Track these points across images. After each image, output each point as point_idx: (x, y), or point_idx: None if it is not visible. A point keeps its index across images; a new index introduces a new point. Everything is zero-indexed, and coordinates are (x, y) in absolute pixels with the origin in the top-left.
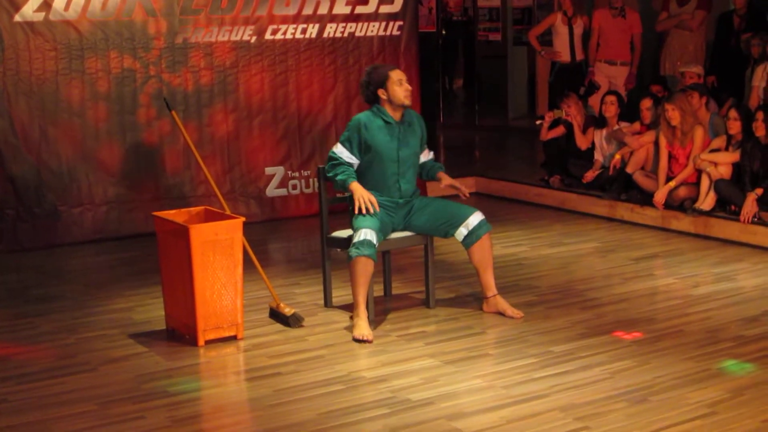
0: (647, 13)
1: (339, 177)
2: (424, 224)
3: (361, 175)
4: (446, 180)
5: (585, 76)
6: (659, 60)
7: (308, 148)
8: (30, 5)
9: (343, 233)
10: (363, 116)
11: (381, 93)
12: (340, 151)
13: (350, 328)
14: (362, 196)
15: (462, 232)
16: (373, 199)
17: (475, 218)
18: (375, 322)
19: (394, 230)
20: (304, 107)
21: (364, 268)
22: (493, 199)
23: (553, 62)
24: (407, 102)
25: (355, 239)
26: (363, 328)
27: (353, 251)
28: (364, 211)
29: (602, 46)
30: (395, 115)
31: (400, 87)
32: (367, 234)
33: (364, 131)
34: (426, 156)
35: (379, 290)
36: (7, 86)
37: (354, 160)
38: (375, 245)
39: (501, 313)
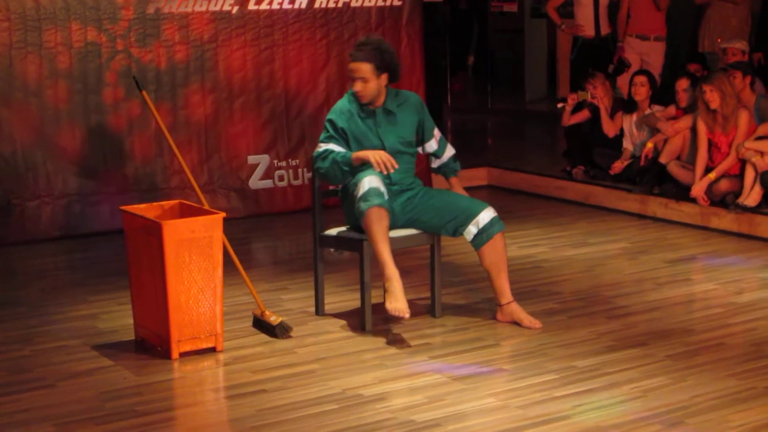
0: None
1: (335, 157)
2: (430, 221)
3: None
4: (456, 189)
5: (611, 53)
6: (698, 35)
7: (297, 133)
8: None
9: (338, 231)
10: (341, 103)
11: (385, 78)
12: (322, 145)
13: (344, 339)
14: (375, 153)
15: (471, 231)
16: (388, 156)
17: (486, 215)
18: (373, 332)
19: (394, 225)
20: (293, 87)
21: (380, 219)
22: (507, 193)
23: (575, 37)
24: (362, 102)
25: (360, 191)
26: (398, 298)
27: (362, 204)
28: (383, 170)
29: (633, 19)
30: (376, 104)
31: (350, 72)
32: (371, 182)
33: (345, 121)
34: (433, 147)
35: (378, 296)
36: None
37: (340, 149)
38: (384, 193)
39: (517, 323)
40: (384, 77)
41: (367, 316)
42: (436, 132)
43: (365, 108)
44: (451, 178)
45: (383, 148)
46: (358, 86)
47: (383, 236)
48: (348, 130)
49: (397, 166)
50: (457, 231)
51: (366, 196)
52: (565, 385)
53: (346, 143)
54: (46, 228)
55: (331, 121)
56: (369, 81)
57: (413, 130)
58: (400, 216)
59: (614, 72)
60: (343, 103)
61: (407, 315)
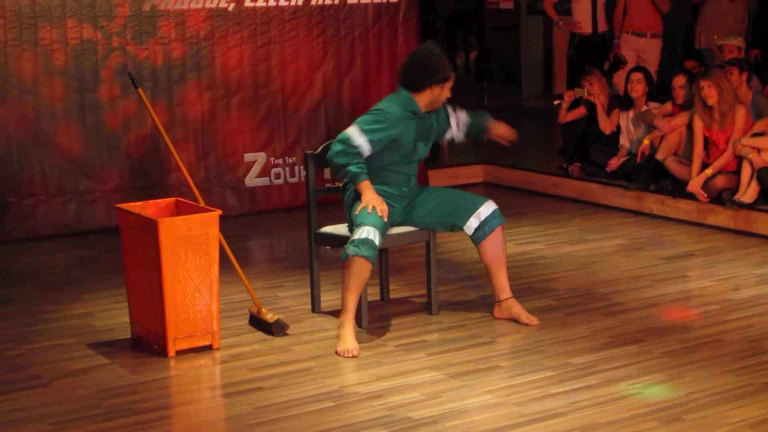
0: None
1: (352, 168)
2: (428, 216)
3: (366, 161)
4: (498, 129)
5: (608, 50)
6: (694, 32)
7: (293, 131)
8: None
9: (334, 229)
10: (398, 109)
11: (435, 88)
12: (357, 138)
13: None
14: (373, 199)
15: (472, 223)
16: (385, 207)
17: (487, 208)
18: (369, 330)
19: (392, 224)
20: (289, 85)
21: (360, 270)
22: (503, 190)
23: (572, 34)
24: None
25: (356, 236)
26: (349, 341)
27: (351, 249)
28: (374, 209)
29: (629, 15)
30: (423, 108)
31: (449, 93)
32: (369, 233)
33: (397, 128)
34: (455, 131)
35: (374, 293)
36: None
37: (368, 152)
38: (376, 247)
39: (514, 320)
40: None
41: (363, 313)
42: (452, 117)
43: (417, 114)
44: (489, 119)
45: (414, 155)
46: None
47: (357, 286)
48: (399, 134)
49: (386, 219)
50: (456, 225)
51: (359, 243)
52: (562, 381)
53: (383, 142)
54: (42, 226)
55: (394, 117)
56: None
57: (437, 135)
58: (398, 216)
59: (610, 69)
60: (400, 108)
61: (357, 353)
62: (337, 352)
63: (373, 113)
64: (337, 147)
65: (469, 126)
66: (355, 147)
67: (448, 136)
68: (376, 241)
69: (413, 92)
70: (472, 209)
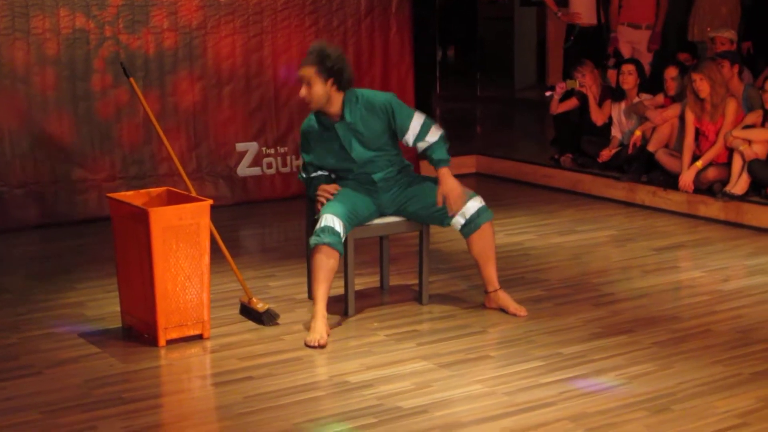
0: None
1: (310, 183)
2: (417, 211)
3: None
4: (443, 182)
5: (605, 43)
6: (687, 24)
7: (285, 121)
8: None
9: None
10: (305, 123)
11: (330, 83)
12: (306, 156)
13: (332, 326)
14: (318, 195)
15: (458, 221)
16: (329, 192)
17: (473, 205)
18: (360, 320)
19: (383, 214)
20: (281, 75)
21: (326, 259)
22: (496, 181)
23: (569, 25)
24: (311, 107)
25: (317, 226)
26: (315, 331)
27: (313, 239)
28: (324, 202)
29: (625, 8)
30: (333, 114)
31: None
32: (328, 220)
33: (310, 136)
34: (411, 140)
35: (360, 284)
36: None
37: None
38: (339, 233)
39: (503, 310)
40: (330, 83)
41: (350, 302)
42: (414, 123)
43: (325, 122)
44: (439, 169)
45: (354, 162)
46: (302, 91)
47: (324, 276)
48: (317, 147)
49: (334, 191)
50: (444, 221)
51: (320, 232)
52: (552, 371)
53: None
54: (34, 215)
55: (303, 134)
56: (314, 85)
57: (381, 135)
58: (389, 207)
59: (615, 65)
60: (308, 122)
61: (323, 343)
62: (305, 343)
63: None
64: (300, 173)
65: (424, 154)
66: (306, 170)
67: (409, 142)
68: (337, 227)
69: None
70: None
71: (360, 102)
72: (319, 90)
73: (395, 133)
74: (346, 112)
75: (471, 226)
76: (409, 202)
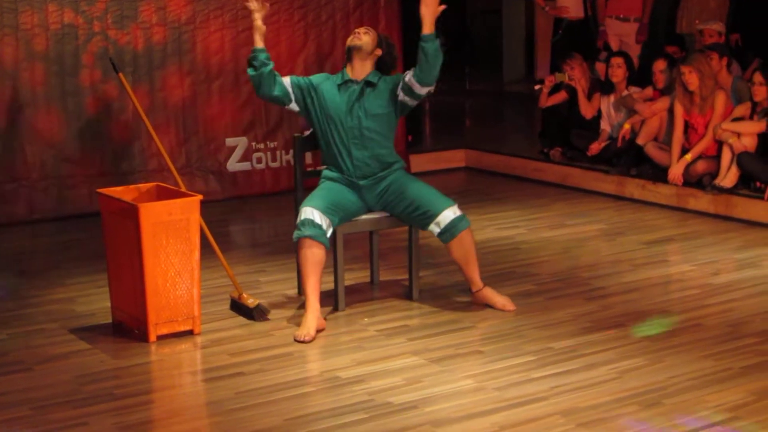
0: None
1: (254, 62)
2: (401, 214)
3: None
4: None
5: (594, 36)
6: (676, 17)
7: (275, 116)
8: None
9: None
10: (317, 76)
11: (378, 52)
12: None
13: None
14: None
15: (434, 229)
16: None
17: (448, 215)
18: (351, 315)
19: (370, 210)
20: None
21: (309, 251)
22: (485, 175)
23: (557, 19)
24: (354, 43)
25: (297, 219)
26: (304, 326)
27: (295, 233)
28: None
29: (611, 1)
30: (356, 76)
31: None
32: (307, 212)
33: (311, 88)
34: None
35: (350, 279)
36: None
37: (286, 83)
38: (321, 225)
39: (490, 307)
40: (378, 52)
41: (340, 297)
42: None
43: (348, 81)
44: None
45: (342, 127)
46: (361, 30)
47: (311, 269)
48: (319, 90)
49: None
50: (424, 227)
51: (300, 225)
52: (542, 366)
53: (298, 86)
54: (24, 211)
55: (310, 78)
56: (370, 34)
57: (387, 108)
58: (375, 204)
59: (606, 59)
60: (323, 76)
61: (309, 338)
62: (294, 338)
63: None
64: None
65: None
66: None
67: (408, 83)
68: (317, 219)
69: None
70: (434, 215)
71: (381, 79)
72: (371, 42)
73: (395, 118)
74: (370, 76)
75: (447, 235)
76: (394, 203)
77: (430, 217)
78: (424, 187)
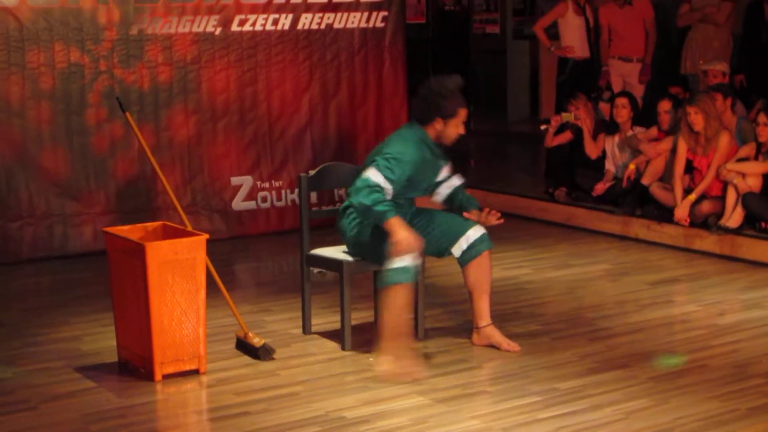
0: (668, 4)
1: (379, 207)
2: (430, 235)
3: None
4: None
5: (597, 76)
6: (680, 57)
7: (280, 155)
8: None
9: (325, 251)
10: (416, 150)
11: (438, 123)
12: (382, 182)
13: (328, 361)
14: (406, 239)
15: (461, 245)
16: (418, 244)
17: (476, 231)
18: (356, 354)
19: None
20: (276, 109)
21: (407, 295)
22: None
23: (562, 59)
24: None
25: (400, 262)
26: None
27: (400, 276)
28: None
29: (614, 42)
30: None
31: (458, 129)
32: (411, 259)
33: (415, 168)
34: (448, 175)
35: (357, 318)
36: None
37: (391, 194)
38: (417, 274)
39: (494, 347)
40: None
41: (346, 337)
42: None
43: (434, 153)
44: (473, 210)
45: (424, 189)
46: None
47: (407, 311)
48: (416, 174)
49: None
50: (445, 251)
51: (406, 269)
52: (548, 407)
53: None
54: (29, 249)
55: (413, 159)
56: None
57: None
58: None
59: (610, 98)
60: (419, 147)
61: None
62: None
63: (392, 159)
64: (361, 186)
65: (453, 194)
66: (378, 187)
67: (443, 179)
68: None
69: (422, 126)
70: (462, 232)
71: None
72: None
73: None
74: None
75: (472, 251)
76: (421, 224)
77: (460, 232)
78: (445, 213)
